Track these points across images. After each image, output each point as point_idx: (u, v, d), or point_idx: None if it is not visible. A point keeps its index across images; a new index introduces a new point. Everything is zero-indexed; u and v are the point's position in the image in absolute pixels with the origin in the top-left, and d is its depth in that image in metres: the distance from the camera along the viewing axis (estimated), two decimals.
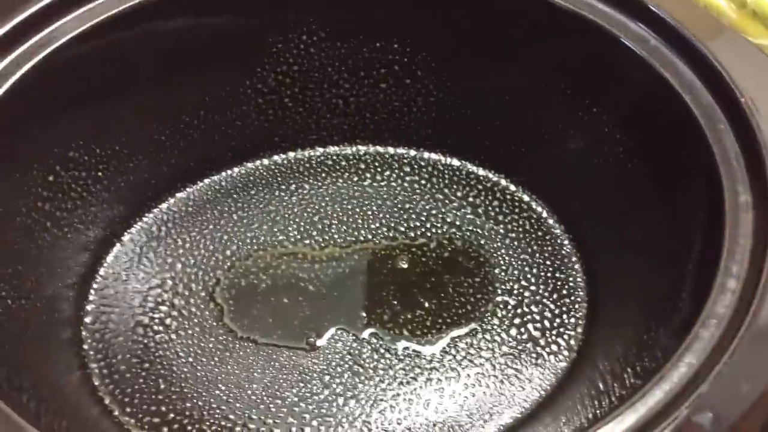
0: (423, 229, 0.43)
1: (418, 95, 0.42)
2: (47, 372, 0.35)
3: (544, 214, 0.43)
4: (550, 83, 0.39)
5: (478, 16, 0.37)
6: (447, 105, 0.42)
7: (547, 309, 0.40)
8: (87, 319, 0.38)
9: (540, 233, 0.43)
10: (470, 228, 0.43)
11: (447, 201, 0.44)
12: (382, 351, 0.38)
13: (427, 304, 0.40)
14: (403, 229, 0.43)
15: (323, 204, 0.43)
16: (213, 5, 0.35)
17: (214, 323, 0.39)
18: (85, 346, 0.37)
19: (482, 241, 0.42)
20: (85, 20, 0.32)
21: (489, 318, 0.40)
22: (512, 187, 0.44)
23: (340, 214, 0.43)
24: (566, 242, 0.42)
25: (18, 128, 0.32)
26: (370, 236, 0.42)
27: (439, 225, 0.43)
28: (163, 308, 0.39)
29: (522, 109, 0.41)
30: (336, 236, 0.42)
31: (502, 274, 0.41)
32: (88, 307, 0.38)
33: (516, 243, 0.42)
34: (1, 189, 0.32)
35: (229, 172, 0.44)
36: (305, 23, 0.38)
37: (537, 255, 0.42)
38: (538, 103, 0.40)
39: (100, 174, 0.37)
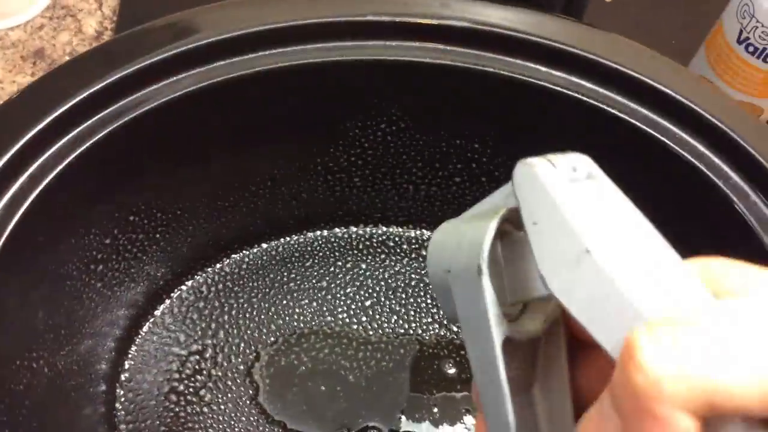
0: None
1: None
2: (75, 428, 0.35)
3: None
4: None
5: (570, 136, 0.35)
6: None
7: None
8: (123, 377, 0.38)
9: None
10: None
11: None
12: None
13: (469, 418, 0.38)
14: (455, 328, 0.41)
15: (377, 288, 0.42)
16: (299, 87, 0.34)
17: (248, 401, 0.38)
18: (118, 405, 0.37)
19: None
20: (167, 92, 0.31)
21: None
22: None
23: (393, 302, 0.41)
24: None
25: (82, 194, 0.31)
26: (420, 331, 0.41)
27: None
28: (200, 377, 0.38)
29: None
30: (385, 325, 0.41)
31: None
32: (126, 364, 0.38)
33: None
34: (56, 255, 0.31)
35: (287, 239, 0.43)
36: (387, 113, 0.36)
37: None
38: None
39: (158, 236, 0.37)
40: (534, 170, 0.17)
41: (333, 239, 0.43)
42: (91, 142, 0.30)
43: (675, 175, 0.34)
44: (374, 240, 0.43)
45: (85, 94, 0.30)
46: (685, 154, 0.33)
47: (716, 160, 0.32)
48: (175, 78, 0.32)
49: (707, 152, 0.32)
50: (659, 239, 0.18)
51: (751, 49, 0.42)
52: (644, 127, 0.33)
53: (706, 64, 0.45)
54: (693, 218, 0.34)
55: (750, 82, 0.44)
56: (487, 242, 0.18)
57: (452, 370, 0.39)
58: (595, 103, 0.33)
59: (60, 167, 0.30)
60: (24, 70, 0.52)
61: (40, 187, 0.29)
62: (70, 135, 0.30)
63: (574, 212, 0.17)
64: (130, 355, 0.38)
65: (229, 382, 0.38)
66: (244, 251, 0.42)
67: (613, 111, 0.33)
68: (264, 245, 0.42)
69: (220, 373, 0.38)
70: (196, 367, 0.38)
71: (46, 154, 0.30)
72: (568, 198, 0.17)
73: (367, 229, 0.43)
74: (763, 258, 0.30)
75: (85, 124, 0.30)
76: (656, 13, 0.56)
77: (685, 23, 0.54)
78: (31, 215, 0.29)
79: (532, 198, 0.18)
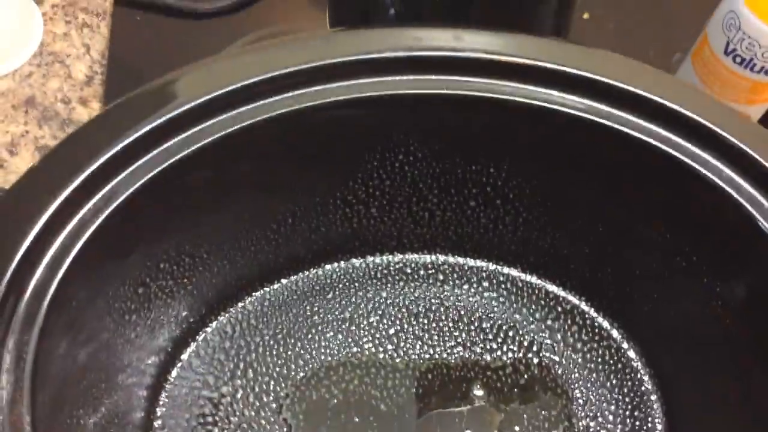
0: (500, 352, 0.42)
1: (506, 215, 0.41)
2: None
3: (625, 345, 0.42)
4: (648, 223, 0.38)
5: (585, 156, 0.36)
6: (535, 227, 0.41)
7: None
8: (156, 424, 0.38)
9: (619, 365, 0.41)
10: (548, 354, 0.42)
11: (525, 322, 0.43)
12: None
13: None
14: (479, 350, 0.42)
15: (399, 315, 0.42)
16: (318, 127, 0.35)
17: None
18: None
19: (560, 370, 0.41)
20: (190, 143, 0.32)
21: None
22: (592, 313, 0.43)
23: (416, 328, 0.42)
24: (646, 378, 0.41)
25: (118, 248, 0.31)
26: (445, 354, 0.41)
27: (515, 348, 0.42)
28: (233, 419, 0.38)
29: (614, 242, 0.40)
30: (411, 352, 0.41)
31: (579, 409, 0.40)
32: (158, 411, 0.38)
33: (594, 375, 0.41)
34: (95, 310, 0.31)
35: (306, 273, 0.43)
36: (405, 144, 0.37)
37: (616, 390, 0.41)
38: (632, 239, 0.39)
39: (185, 280, 0.37)
40: None
41: (351, 270, 0.43)
42: (122, 197, 0.31)
43: (687, 189, 0.35)
44: (392, 268, 0.44)
45: (112, 151, 0.30)
46: (699, 167, 0.34)
47: (726, 170, 0.34)
48: (197, 128, 0.32)
49: (716, 162, 0.34)
50: None
51: (738, 60, 0.44)
52: (659, 144, 0.34)
53: (694, 75, 0.47)
54: (707, 227, 0.36)
55: (737, 90, 0.45)
56: None
57: (480, 392, 0.40)
58: (610, 124, 0.35)
59: (96, 224, 0.30)
60: (16, 119, 0.52)
61: (78, 246, 0.29)
62: (103, 192, 0.30)
63: None
64: (161, 402, 0.38)
65: (263, 422, 0.38)
66: (264, 288, 0.42)
67: (626, 130, 0.35)
68: (284, 281, 0.43)
69: (253, 413, 0.38)
70: (229, 408, 0.38)
71: (81, 213, 0.30)
72: None
73: (384, 258, 0.44)
74: None
75: (115, 181, 0.30)
76: (633, 26, 0.58)
77: (660, 34, 0.57)
78: (70, 274, 0.29)
79: None
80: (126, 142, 0.30)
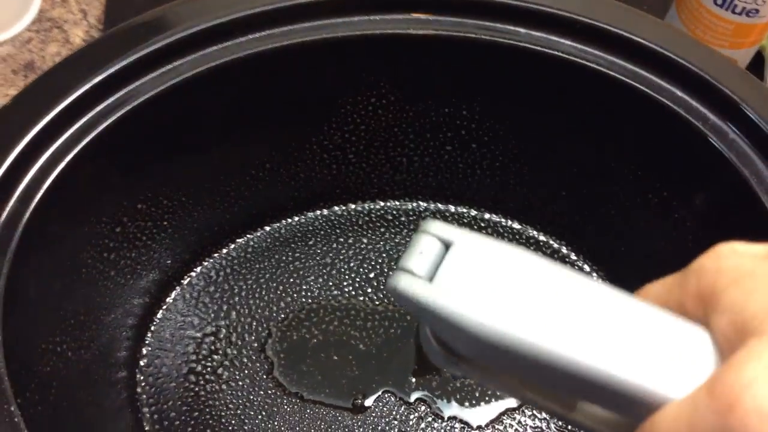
0: None
1: (483, 159, 0.41)
2: (99, 415, 0.36)
3: None
4: (621, 162, 0.38)
5: (555, 95, 0.37)
6: (512, 171, 0.42)
7: None
8: (142, 362, 0.39)
9: None
10: None
11: None
12: (429, 419, 0.38)
13: None
14: None
15: (380, 260, 0.43)
16: (288, 68, 0.35)
17: (264, 376, 0.39)
18: (139, 390, 0.38)
19: None
20: (161, 81, 0.33)
21: None
22: (573, 256, 0.44)
23: None
24: None
25: (90, 185, 0.32)
26: None
27: None
28: (216, 357, 0.39)
29: (589, 182, 0.40)
30: (390, 294, 0.42)
31: None
32: (144, 350, 0.39)
33: None
34: (70, 244, 0.32)
35: (289, 220, 0.44)
36: (376, 87, 0.38)
37: None
38: (607, 179, 0.39)
39: (165, 223, 0.38)
40: (398, 289, 0.18)
41: (333, 217, 0.44)
42: (93, 134, 0.32)
43: (655, 122, 0.35)
44: (373, 215, 0.45)
45: (84, 88, 0.31)
46: (664, 100, 0.34)
47: (695, 103, 0.34)
48: (169, 66, 0.33)
49: (685, 96, 0.34)
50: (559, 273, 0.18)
51: (719, 1, 0.44)
52: (623, 77, 0.34)
53: (678, 22, 0.47)
54: (675, 160, 0.36)
55: (722, 34, 0.45)
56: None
57: None
58: (574, 59, 0.35)
59: (66, 160, 0.31)
60: (16, 83, 0.54)
61: (50, 180, 0.31)
62: (74, 128, 0.31)
63: (450, 309, 0.17)
64: (147, 341, 0.39)
65: (245, 360, 0.39)
66: (248, 235, 0.43)
67: (592, 65, 0.35)
68: (267, 228, 0.44)
69: (235, 352, 0.40)
70: (212, 347, 0.40)
71: (52, 148, 0.31)
72: (441, 298, 0.17)
73: (365, 205, 0.45)
74: (743, 189, 0.32)
75: (87, 117, 0.32)
76: None
77: None
78: (43, 207, 0.30)
79: (414, 311, 0.18)
80: (96, 79, 0.31)
